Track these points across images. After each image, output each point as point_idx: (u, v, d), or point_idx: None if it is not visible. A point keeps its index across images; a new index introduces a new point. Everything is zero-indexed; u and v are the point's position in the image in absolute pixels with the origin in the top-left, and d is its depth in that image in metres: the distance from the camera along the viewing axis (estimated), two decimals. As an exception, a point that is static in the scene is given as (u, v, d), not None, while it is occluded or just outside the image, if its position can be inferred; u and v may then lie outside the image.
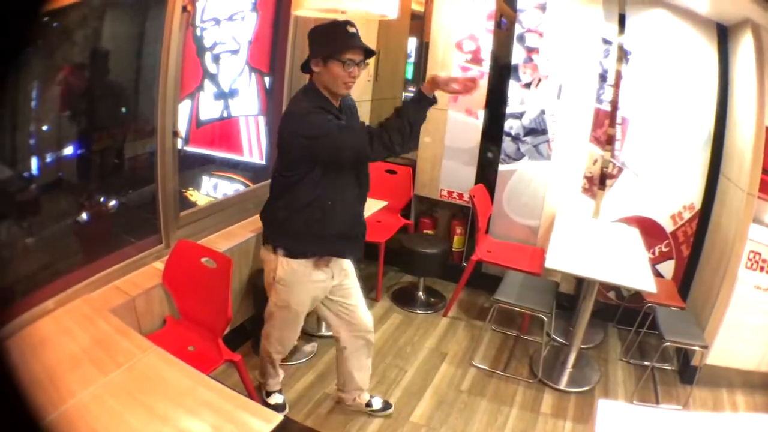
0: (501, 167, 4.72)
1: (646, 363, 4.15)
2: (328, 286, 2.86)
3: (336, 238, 2.73)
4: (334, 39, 2.49)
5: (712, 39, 4.14)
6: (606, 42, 4.31)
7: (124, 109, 2.96)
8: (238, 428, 1.82)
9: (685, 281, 4.59)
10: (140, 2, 2.82)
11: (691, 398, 3.84)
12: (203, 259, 2.89)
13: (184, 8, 2.91)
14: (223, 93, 3.61)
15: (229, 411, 1.89)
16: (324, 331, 4.10)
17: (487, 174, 4.92)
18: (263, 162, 4.12)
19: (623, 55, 4.30)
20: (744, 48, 3.85)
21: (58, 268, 2.62)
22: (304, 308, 2.87)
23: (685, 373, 4.05)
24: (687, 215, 4.43)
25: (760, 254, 3.74)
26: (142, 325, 2.81)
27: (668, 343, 3.60)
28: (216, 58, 3.45)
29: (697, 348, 3.72)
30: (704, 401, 3.85)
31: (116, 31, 2.74)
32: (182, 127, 3.22)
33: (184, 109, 3.26)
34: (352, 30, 2.48)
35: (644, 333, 4.25)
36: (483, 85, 4.70)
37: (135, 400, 1.88)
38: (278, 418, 1.87)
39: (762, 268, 3.76)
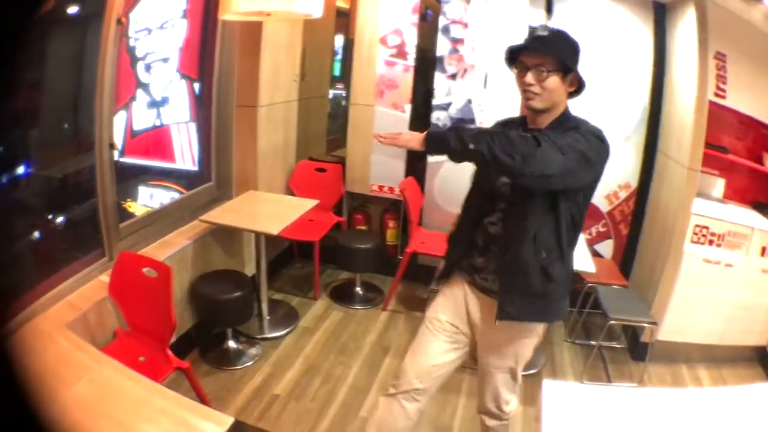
0: (430, 159, 4.75)
1: (592, 342, 4.22)
2: None
3: None
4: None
5: (646, 17, 4.28)
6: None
7: (66, 125, 2.93)
8: (193, 432, 1.85)
9: (626, 260, 4.71)
10: (80, 18, 2.79)
11: (647, 375, 3.93)
12: (144, 269, 2.88)
13: (119, 20, 2.89)
14: (155, 102, 3.58)
15: (183, 417, 1.93)
16: (267, 334, 4.12)
17: (416, 166, 5.00)
18: (195, 168, 4.11)
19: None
20: (685, 23, 3.93)
21: (13, 288, 2.58)
22: None
23: (636, 350, 4.13)
24: (623, 194, 4.57)
25: (707, 228, 3.85)
26: (96, 339, 2.78)
27: (613, 321, 3.66)
28: (148, 68, 3.43)
29: (645, 325, 3.79)
30: (662, 378, 3.96)
31: (57, 48, 2.71)
32: (118, 138, 3.19)
33: (119, 120, 3.23)
34: (540, 33, 2.18)
35: (588, 313, 4.33)
36: (409, 78, 4.80)
37: (97, 412, 1.90)
38: (229, 420, 1.91)
39: (711, 242, 3.87)
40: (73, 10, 2.70)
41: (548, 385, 1.93)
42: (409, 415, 2.54)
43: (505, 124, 2.40)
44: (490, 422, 2.67)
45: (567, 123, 2.18)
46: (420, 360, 2.54)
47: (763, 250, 3.96)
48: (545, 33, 2.15)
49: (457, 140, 1.98)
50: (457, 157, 2.05)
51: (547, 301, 2.31)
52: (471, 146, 1.96)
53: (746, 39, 3.98)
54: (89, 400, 1.95)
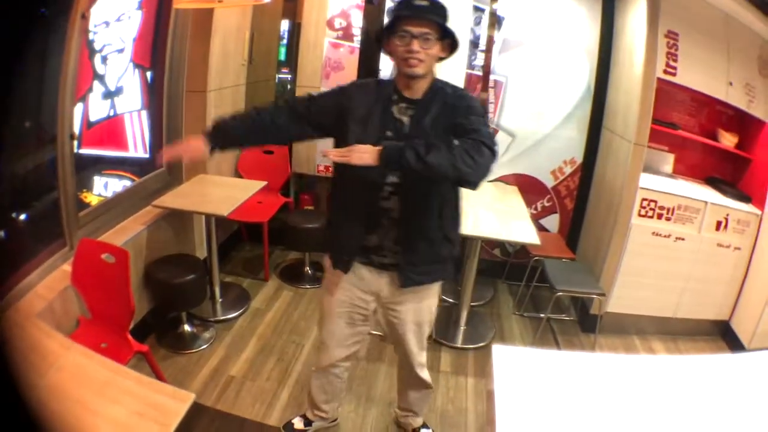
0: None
1: (541, 315, 4.32)
2: None
3: None
4: (392, 12, 2.23)
5: None
6: (478, 9, 4.53)
7: (28, 122, 2.92)
8: (157, 411, 1.95)
9: (572, 234, 4.82)
10: (50, 14, 2.79)
11: (598, 346, 4.04)
12: (103, 255, 2.93)
13: (83, 15, 2.91)
14: (110, 92, 3.59)
15: (147, 396, 2.01)
16: (220, 316, 4.19)
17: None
18: (147, 155, 4.13)
19: (496, 21, 4.48)
20: (636, 2, 3.98)
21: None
22: None
23: (586, 322, 4.24)
24: (568, 170, 4.70)
25: (655, 201, 3.95)
26: (62, 328, 2.83)
27: (560, 293, 3.75)
28: (104, 59, 3.44)
29: (594, 296, 3.87)
30: (614, 348, 4.07)
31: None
32: (76, 130, 3.20)
33: (76, 112, 3.24)
34: (418, 2, 2.17)
35: (535, 286, 4.43)
36: (354, 60, 4.90)
37: (68, 396, 1.96)
38: (191, 396, 2.00)
39: (660, 216, 3.97)
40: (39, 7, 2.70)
41: (498, 351, 1.92)
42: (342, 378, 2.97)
43: (379, 86, 2.39)
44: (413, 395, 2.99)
45: (441, 92, 2.28)
46: (338, 344, 2.74)
47: (718, 224, 4.06)
48: (426, 2, 2.17)
49: (415, 157, 1.96)
50: (416, 173, 2.02)
51: (448, 262, 2.50)
52: (431, 163, 1.96)
53: (701, 17, 4.02)
54: (60, 385, 2.02)
